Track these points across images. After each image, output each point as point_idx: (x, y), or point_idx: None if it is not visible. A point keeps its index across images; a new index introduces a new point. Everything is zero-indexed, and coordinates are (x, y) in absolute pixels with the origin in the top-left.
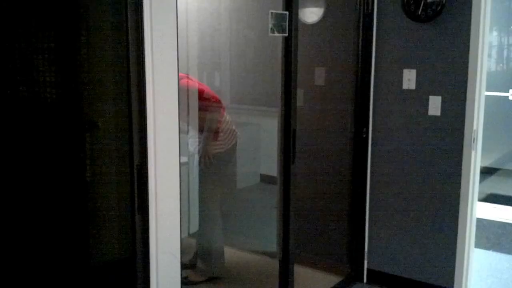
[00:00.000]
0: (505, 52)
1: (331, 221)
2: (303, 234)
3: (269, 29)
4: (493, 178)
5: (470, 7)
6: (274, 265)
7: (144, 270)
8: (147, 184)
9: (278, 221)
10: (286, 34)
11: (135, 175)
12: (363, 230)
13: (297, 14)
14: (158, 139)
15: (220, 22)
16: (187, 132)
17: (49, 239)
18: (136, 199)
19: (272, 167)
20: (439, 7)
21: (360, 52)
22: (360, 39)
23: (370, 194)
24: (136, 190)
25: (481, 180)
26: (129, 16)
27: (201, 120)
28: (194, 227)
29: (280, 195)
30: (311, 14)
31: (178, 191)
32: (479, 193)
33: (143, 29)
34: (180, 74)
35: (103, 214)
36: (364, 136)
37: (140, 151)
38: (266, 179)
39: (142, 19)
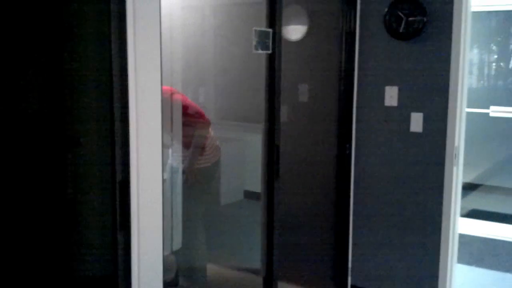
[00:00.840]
0: (485, 69)
1: (315, 237)
2: (286, 250)
3: (253, 46)
4: (475, 193)
5: (451, 26)
6: (257, 281)
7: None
8: (129, 201)
9: (262, 237)
10: (270, 51)
11: (117, 191)
12: (346, 246)
13: (280, 31)
14: (140, 156)
15: (204, 39)
16: (170, 147)
17: (29, 255)
18: (118, 216)
19: (256, 183)
20: (420, 25)
21: (343, 69)
22: (343, 56)
23: (354, 210)
24: (118, 206)
25: (463, 196)
26: (112, 32)
27: (186, 136)
28: (177, 244)
29: (264, 211)
30: (294, 31)
31: (161, 208)
32: (461, 208)
33: (126, 45)
34: (164, 87)
35: (85, 231)
36: (347, 152)
37: (122, 168)
38: (250, 195)
39: (125, 35)
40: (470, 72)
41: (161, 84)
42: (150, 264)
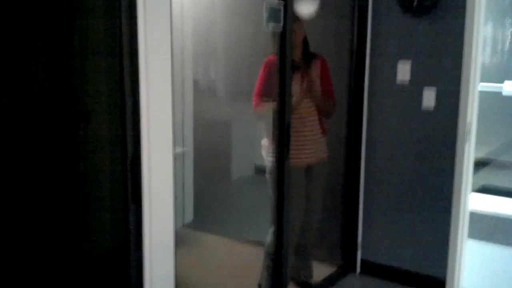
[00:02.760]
0: (499, 45)
1: (324, 212)
2: (296, 226)
3: (264, 22)
4: (486, 169)
5: (465, 0)
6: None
7: (138, 260)
8: (141, 175)
9: (272, 214)
10: (281, 26)
11: (129, 166)
12: (356, 221)
13: (292, 6)
14: (151, 131)
15: (214, 14)
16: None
17: (42, 229)
18: (129, 190)
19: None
20: (434, 0)
21: (355, 45)
22: (355, 32)
23: (364, 186)
24: (129, 181)
25: (474, 172)
26: (122, 9)
27: None
28: (189, 216)
29: (274, 188)
30: (305, 7)
31: (172, 182)
32: (472, 184)
33: (136, 20)
34: None
35: (97, 205)
36: (358, 129)
37: (133, 143)
38: (260, 171)
39: (135, 11)
40: (484, 48)
41: (172, 60)
42: (162, 238)
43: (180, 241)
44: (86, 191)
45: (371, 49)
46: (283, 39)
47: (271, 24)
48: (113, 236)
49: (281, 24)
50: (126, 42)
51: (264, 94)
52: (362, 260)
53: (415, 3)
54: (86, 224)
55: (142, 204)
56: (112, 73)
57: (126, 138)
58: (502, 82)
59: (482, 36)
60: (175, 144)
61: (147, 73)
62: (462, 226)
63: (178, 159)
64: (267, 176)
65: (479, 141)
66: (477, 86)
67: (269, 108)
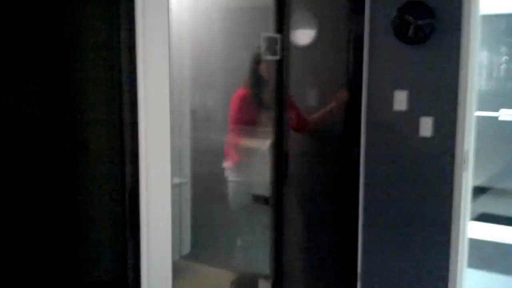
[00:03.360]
0: (494, 72)
1: (323, 242)
2: (295, 255)
3: (261, 52)
4: (484, 197)
5: (461, 29)
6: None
7: None
8: (139, 208)
9: (270, 244)
10: (278, 57)
11: (127, 198)
12: (356, 251)
13: (288, 37)
14: (150, 162)
15: (212, 44)
16: None
17: (39, 261)
18: (128, 223)
19: (264, 188)
20: (429, 29)
21: (351, 74)
22: (352, 61)
23: (363, 214)
24: (128, 214)
25: (472, 200)
26: (121, 36)
27: None
28: (186, 248)
29: (272, 217)
30: (302, 36)
31: (170, 214)
32: (471, 212)
33: (135, 51)
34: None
35: (94, 236)
36: (356, 157)
37: (132, 175)
38: (257, 200)
39: (134, 40)
40: (479, 74)
41: (170, 91)
42: (159, 270)
43: (177, 273)
44: (83, 222)
45: (368, 78)
46: (279, 68)
47: (268, 55)
48: (111, 267)
49: (278, 56)
50: (125, 73)
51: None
52: None
53: (410, 32)
54: (84, 256)
55: (140, 236)
56: (111, 103)
57: (125, 170)
58: (497, 110)
59: (477, 64)
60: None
61: (146, 104)
62: (461, 255)
63: (175, 190)
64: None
65: (476, 168)
66: (473, 114)
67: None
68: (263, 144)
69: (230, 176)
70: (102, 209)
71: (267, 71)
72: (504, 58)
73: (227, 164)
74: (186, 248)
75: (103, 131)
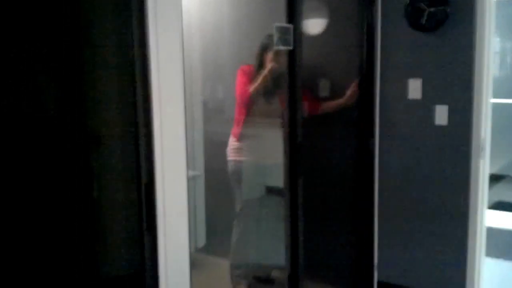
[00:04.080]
0: (508, 58)
1: (339, 234)
2: (310, 247)
3: (274, 42)
4: (500, 185)
5: (474, 15)
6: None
7: (153, 286)
8: (155, 202)
9: (286, 236)
10: (291, 47)
11: (143, 192)
12: (372, 242)
13: (300, 26)
14: (165, 156)
15: (222, 34)
16: None
17: (56, 256)
18: (144, 217)
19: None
20: (442, 16)
21: (364, 63)
22: (364, 50)
23: (378, 205)
24: (144, 208)
25: (488, 188)
26: (133, 28)
27: None
28: (201, 241)
29: (287, 209)
30: (314, 25)
31: (186, 208)
32: (487, 201)
33: (148, 44)
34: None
35: (111, 232)
36: (371, 147)
37: (147, 169)
38: (272, 191)
39: (147, 34)
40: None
41: (184, 83)
42: (177, 263)
43: (193, 266)
44: (99, 216)
45: (381, 66)
46: (292, 58)
47: (281, 45)
48: (128, 262)
49: (290, 46)
50: (139, 67)
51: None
52: (379, 282)
53: (424, 19)
54: (101, 250)
55: (157, 229)
56: (125, 97)
57: (140, 164)
58: (511, 97)
59: (492, 50)
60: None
61: (160, 97)
62: (479, 243)
63: (189, 183)
64: (230, 176)
65: (492, 156)
66: (489, 102)
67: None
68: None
69: (232, 154)
70: (118, 203)
71: (277, 61)
72: None
73: (231, 141)
74: (201, 241)
75: (117, 125)
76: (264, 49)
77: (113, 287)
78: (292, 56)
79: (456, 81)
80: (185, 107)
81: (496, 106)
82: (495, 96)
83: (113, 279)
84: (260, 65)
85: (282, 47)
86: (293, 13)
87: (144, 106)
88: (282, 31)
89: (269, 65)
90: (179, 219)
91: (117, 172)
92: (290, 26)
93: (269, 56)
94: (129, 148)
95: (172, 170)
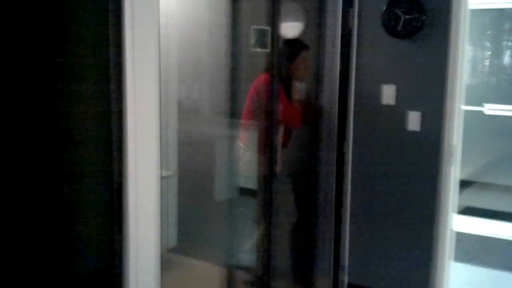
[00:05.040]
0: (479, 66)
1: (309, 236)
2: (281, 249)
3: (252, 44)
4: (469, 191)
5: (449, 23)
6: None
7: (123, 285)
8: (127, 202)
9: (258, 237)
10: (268, 50)
11: (114, 192)
12: (343, 244)
13: (278, 29)
14: (138, 156)
15: (200, 36)
16: None
17: (23, 254)
18: (115, 217)
19: (251, 181)
20: (418, 24)
21: (339, 67)
22: (340, 55)
23: (350, 208)
24: (115, 208)
25: (457, 193)
26: (109, 30)
27: None
28: (173, 241)
29: (259, 210)
30: (290, 29)
31: (158, 208)
32: (456, 206)
33: (124, 42)
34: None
35: (80, 232)
36: (344, 151)
37: (119, 169)
38: (245, 192)
39: (123, 33)
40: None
41: (159, 85)
42: (147, 263)
43: (163, 266)
44: (69, 215)
45: (356, 72)
46: (270, 60)
47: (258, 47)
48: (97, 262)
49: (267, 48)
50: (113, 66)
51: (251, 117)
52: (349, 285)
53: (400, 26)
54: (70, 250)
55: (128, 229)
56: (99, 96)
57: (112, 163)
58: (481, 104)
59: (465, 59)
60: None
61: (134, 97)
62: (446, 248)
63: (161, 183)
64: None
65: (462, 162)
66: (461, 109)
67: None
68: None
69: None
70: (89, 202)
71: (304, 68)
72: (488, 53)
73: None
74: (172, 242)
75: (90, 125)
76: (294, 55)
77: (83, 285)
78: (270, 58)
79: (429, 87)
80: (160, 107)
81: (467, 113)
82: (467, 103)
83: (82, 279)
84: (287, 72)
85: (259, 49)
86: (272, 16)
87: (118, 105)
88: (260, 33)
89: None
90: (150, 219)
91: (88, 172)
92: (268, 28)
93: (300, 62)
94: (102, 148)
95: (144, 170)
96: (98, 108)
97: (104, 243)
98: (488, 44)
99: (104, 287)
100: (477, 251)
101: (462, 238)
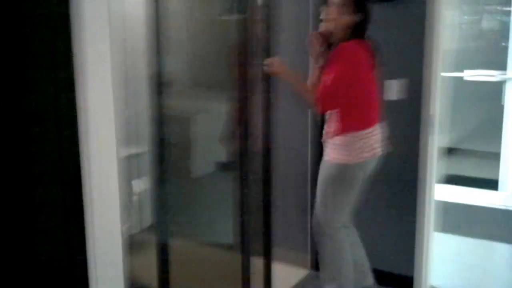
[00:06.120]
0: (457, 31)
1: (292, 211)
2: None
3: (226, 10)
4: (452, 158)
5: None
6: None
7: (82, 267)
8: (82, 186)
9: (236, 213)
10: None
11: (69, 176)
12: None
13: None
14: (91, 137)
15: (170, 6)
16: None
17: None
18: (69, 200)
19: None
20: None
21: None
22: (312, 20)
23: None
24: (69, 192)
25: (438, 161)
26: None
27: None
28: (147, 220)
29: (236, 187)
30: None
31: (117, 191)
32: (437, 175)
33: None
34: None
35: (36, 220)
36: (320, 123)
37: (72, 151)
38: (221, 167)
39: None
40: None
41: (111, 65)
42: (109, 247)
43: (136, 246)
44: (24, 203)
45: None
46: (245, 28)
47: (233, 13)
48: (56, 248)
49: (244, 14)
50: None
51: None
52: None
53: None
54: (25, 231)
55: (84, 209)
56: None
57: (63, 145)
58: (461, 70)
59: (444, 23)
60: (128, 144)
61: (84, 72)
62: (428, 217)
63: (132, 160)
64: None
65: (443, 129)
66: (439, 77)
67: None
68: None
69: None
70: (43, 186)
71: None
72: (467, 17)
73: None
74: (147, 221)
75: (39, 107)
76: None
77: (41, 274)
78: (244, 25)
79: (408, 55)
80: (122, 78)
81: (446, 80)
82: (446, 70)
83: (41, 265)
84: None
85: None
86: None
87: (67, 82)
88: None
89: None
90: (109, 201)
91: (41, 154)
92: None
93: None
94: (52, 130)
95: (100, 151)
96: (46, 87)
97: (64, 230)
98: (466, 8)
99: (68, 274)
100: (458, 220)
101: (443, 208)
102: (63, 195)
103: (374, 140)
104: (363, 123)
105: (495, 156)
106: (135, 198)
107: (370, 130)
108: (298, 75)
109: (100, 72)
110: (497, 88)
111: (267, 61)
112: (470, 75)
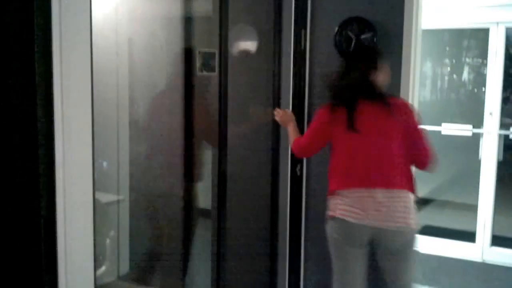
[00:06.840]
0: (438, 83)
1: (266, 259)
2: (237, 271)
3: (197, 68)
4: (428, 209)
5: (401, 44)
6: None
7: None
8: (56, 238)
9: (212, 263)
10: (215, 73)
11: (42, 226)
12: (298, 267)
13: (227, 52)
14: (67, 186)
15: (154, 56)
16: None
17: None
18: (43, 256)
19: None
20: (370, 43)
21: (293, 89)
22: (293, 76)
23: (305, 230)
24: (43, 246)
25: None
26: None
27: None
28: (125, 268)
29: (214, 233)
30: (242, 48)
31: (92, 243)
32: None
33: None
34: None
35: (8, 271)
36: (299, 174)
37: (47, 200)
38: (201, 215)
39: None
40: (424, 85)
41: (92, 100)
42: None
43: None
44: None
45: (309, 93)
46: (219, 84)
47: (205, 71)
48: None
49: (216, 72)
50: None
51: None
52: None
53: (351, 47)
54: None
55: (58, 271)
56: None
57: (39, 194)
58: (439, 124)
59: (418, 77)
60: (105, 192)
61: (63, 118)
62: None
63: (112, 207)
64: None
65: (420, 180)
66: None
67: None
68: None
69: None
70: (14, 237)
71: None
72: (448, 69)
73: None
74: (124, 268)
75: (16, 149)
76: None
77: None
78: (218, 82)
79: None
80: (103, 126)
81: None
82: (425, 124)
83: None
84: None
85: (205, 73)
86: (220, 38)
87: (46, 119)
88: (206, 56)
89: None
90: (85, 255)
91: (14, 204)
92: (215, 51)
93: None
94: (28, 179)
95: (76, 201)
96: (24, 124)
97: (34, 279)
98: (447, 61)
99: None
100: (434, 272)
101: (420, 259)
102: (36, 247)
103: (361, 202)
104: (343, 183)
105: (473, 208)
106: (112, 244)
107: (353, 191)
108: (296, 129)
109: (80, 120)
110: (475, 139)
111: (278, 111)
112: (446, 128)
